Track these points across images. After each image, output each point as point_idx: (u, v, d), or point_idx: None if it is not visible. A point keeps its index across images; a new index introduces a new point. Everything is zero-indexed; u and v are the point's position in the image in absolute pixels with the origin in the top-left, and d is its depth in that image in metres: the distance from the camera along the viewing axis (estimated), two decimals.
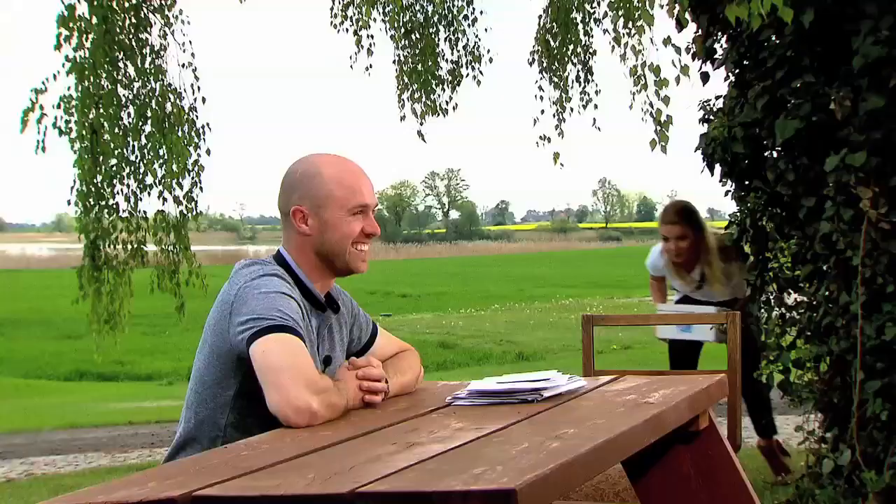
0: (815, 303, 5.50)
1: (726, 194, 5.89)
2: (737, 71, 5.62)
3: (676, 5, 4.79)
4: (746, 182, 5.74)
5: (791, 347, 5.66)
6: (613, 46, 6.40)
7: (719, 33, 5.64)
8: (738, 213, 5.84)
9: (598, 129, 8.75)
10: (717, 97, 5.84)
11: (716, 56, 5.67)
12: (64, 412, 12.44)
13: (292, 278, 2.78)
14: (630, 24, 5.67)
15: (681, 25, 5.47)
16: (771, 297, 5.80)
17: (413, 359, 3.04)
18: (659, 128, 5.51)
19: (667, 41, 5.23)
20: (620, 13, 5.58)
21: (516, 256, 69.87)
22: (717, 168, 5.72)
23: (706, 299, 6.11)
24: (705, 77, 5.74)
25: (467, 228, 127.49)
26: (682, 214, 5.75)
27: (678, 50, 5.22)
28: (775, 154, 5.52)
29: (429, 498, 1.67)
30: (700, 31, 5.57)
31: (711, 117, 5.80)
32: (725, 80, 5.72)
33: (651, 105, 5.61)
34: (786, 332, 5.72)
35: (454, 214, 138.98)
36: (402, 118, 8.71)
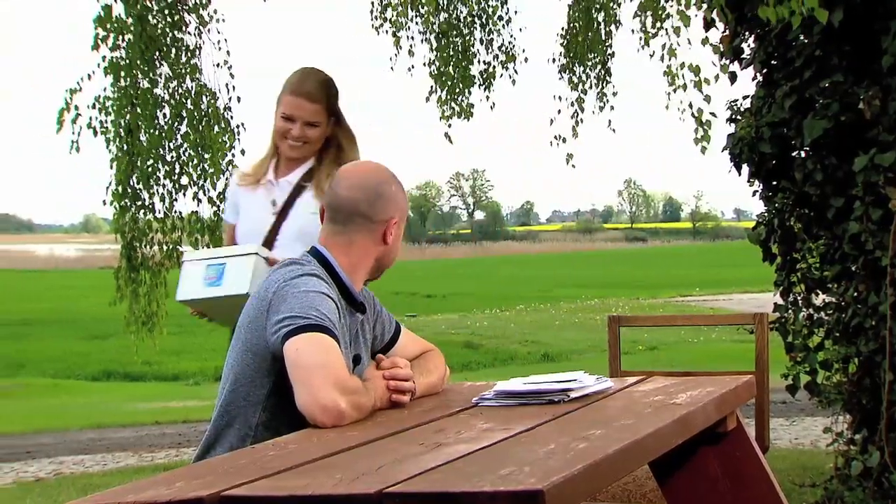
0: (843, 303, 5.46)
1: (753, 194, 5.86)
2: (764, 70, 5.58)
3: (705, 4, 4.76)
4: (774, 182, 5.71)
5: (819, 348, 5.63)
6: (643, 46, 6.38)
7: (747, 33, 5.61)
8: (766, 213, 5.81)
9: (613, 130, 8.78)
10: (745, 97, 5.81)
11: (743, 56, 5.64)
12: (91, 412, 12.51)
13: (332, 277, 2.78)
14: (658, 25, 5.64)
15: (709, 25, 5.45)
16: (798, 298, 5.75)
17: (438, 359, 3.04)
18: (700, 127, 5.48)
19: (705, 41, 5.21)
20: (649, 13, 5.56)
21: (541, 257, 69.83)
22: (745, 168, 5.69)
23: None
24: (733, 77, 5.70)
25: (492, 229, 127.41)
26: (327, 90, 3.85)
27: (717, 50, 5.20)
28: (803, 154, 5.49)
29: (456, 498, 1.66)
30: (727, 30, 5.54)
31: (739, 117, 5.77)
32: (753, 79, 5.69)
33: (690, 105, 5.58)
34: (813, 332, 5.68)
35: (479, 215, 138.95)
36: (441, 117, 8.72)
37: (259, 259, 3.68)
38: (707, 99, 5.49)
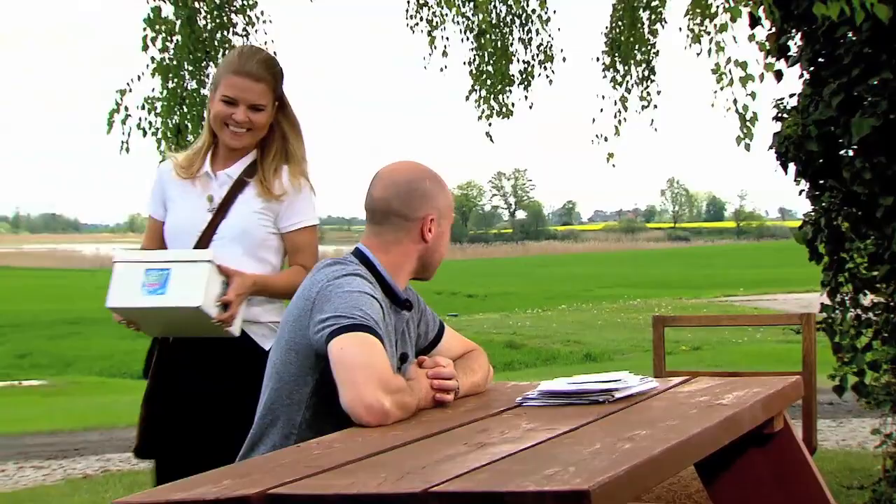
0: (892, 304, 5.41)
1: (800, 193, 5.80)
2: (811, 68, 5.52)
3: (752, 1, 4.72)
4: (821, 181, 5.65)
5: (867, 349, 5.57)
6: (691, 44, 6.34)
7: (794, 30, 5.56)
8: (813, 213, 5.75)
9: (656, 129, 8.73)
10: (791, 95, 5.76)
11: (789, 53, 5.58)
12: (138, 409, 12.58)
13: (375, 277, 2.79)
14: (707, 22, 5.61)
15: (755, 22, 5.41)
16: (846, 298, 5.69)
17: (482, 358, 3.03)
18: (744, 124, 5.43)
19: (752, 38, 5.17)
20: (698, 10, 5.52)
21: (583, 256, 69.58)
22: (791, 167, 5.64)
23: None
24: (779, 75, 5.65)
25: (534, 228, 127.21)
26: (272, 69, 3.46)
27: (763, 48, 5.16)
28: (851, 152, 5.43)
29: (502, 498, 1.66)
30: (774, 28, 5.49)
31: (785, 115, 5.71)
32: (800, 77, 5.63)
33: (735, 102, 5.54)
34: (861, 333, 5.62)
35: (520, 214, 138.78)
36: (480, 117, 8.72)
37: (213, 267, 3.25)
38: (752, 95, 5.44)
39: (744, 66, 5.44)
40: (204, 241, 3.40)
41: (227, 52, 7.39)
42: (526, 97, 8.89)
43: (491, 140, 8.82)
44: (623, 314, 26.91)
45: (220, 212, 3.42)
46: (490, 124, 8.72)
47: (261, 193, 3.41)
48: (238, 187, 3.44)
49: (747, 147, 5.49)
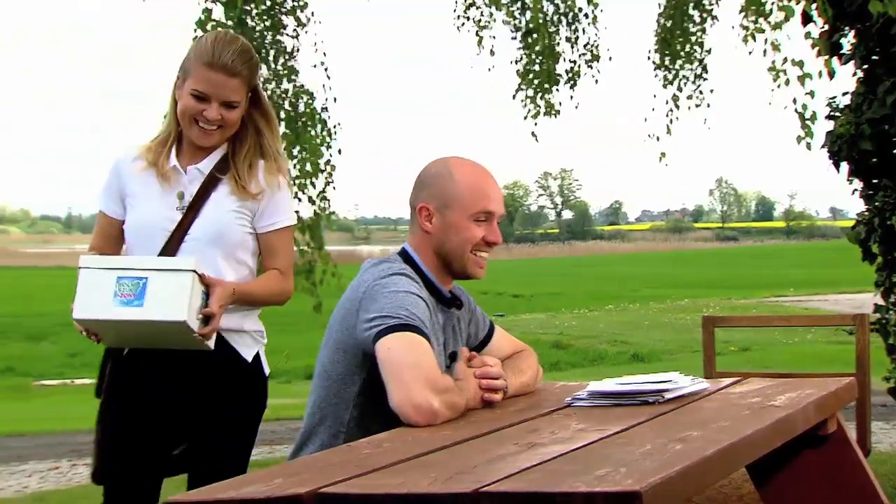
0: None
1: (853, 193, 5.75)
2: (865, 66, 5.47)
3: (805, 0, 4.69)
4: (874, 180, 5.60)
5: None
6: (746, 42, 6.30)
7: (847, 28, 5.50)
8: (866, 213, 5.69)
9: (709, 128, 8.66)
10: (844, 93, 5.70)
11: (842, 51, 5.53)
12: None
13: (419, 276, 2.79)
14: (762, 20, 5.56)
15: (807, 20, 5.36)
16: None
17: (532, 359, 3.03)
18: (804, 123, 5.38)
19: (807, 35, 5.14)
20: (753, 7, 5.48)
21: (630, 256, 69.25)
22: (844, 166, 5.58)
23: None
24: (832, 73, 5.60)
25: (580, 228, 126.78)
26: (249, 61, 3.12)
27: (816, 44, 5.12)
28: None
29: (553, 499, 1.65)
30: (826, 26, 5.44)
31: (838, 114, 5.66)
32: (853, 75, 5.57)
33: (794, 101, 5.49)
34: None
35: (567, 214, 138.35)
36: (526, 116, 8.71)
37: (196, 277, 2.94)
38: (811, 94, 5.39)
39: (801, 64, 5.39)
40: (174, 242, 3.08)
41: (277, 53, 7.43)
42: (572, 97, 8.87)
43: (536, 139, 8.80)
44: (670, 314, 26.75)
45: (192, 210, 3.10)
46: (536, 123, 8.70)
47: (235, 191, 3.10)
48: (210, 184, 3.12)
49: (808, 146, 5.44)
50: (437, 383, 2.48)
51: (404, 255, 2.85)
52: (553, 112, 8.73)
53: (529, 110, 8.75)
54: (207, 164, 3.13)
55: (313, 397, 2.79)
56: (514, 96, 8.83)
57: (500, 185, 2.96)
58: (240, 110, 3.10)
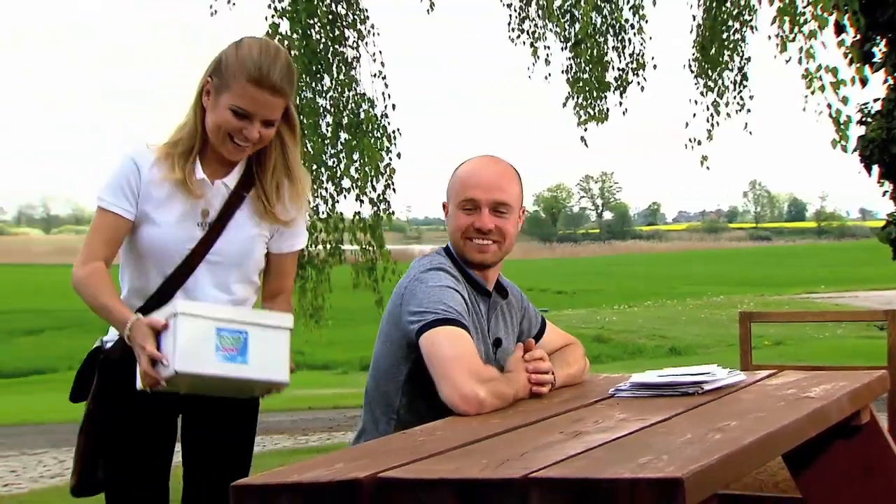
0: None
1: (883, 195, 5.69)
2: (894, 74, 5.40)
3: (836, 10, 4.64)
4: None
5: None
6: (780, 51, 6.24)
7: (878, 37, 5.43)
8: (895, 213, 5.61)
9: (750, 133, 8.57)
10: (876, 100, 5.63)
11: (874, 59, 5.46)
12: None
13: (458, 268, 2.79)
14: (797, 30, 5.51)
15: (840, 29, 5.30)
16: None
17: (578, 352, 3.02)
18: (839, 127, 5.33)
19: (840, 44, 5.08)
20: (786, 17, 5.43)
21: (667, 255, 68.85)
22: (875, 169, 5.52)
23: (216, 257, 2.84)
24: (864, 80, 5.53)
25: (620, 228, 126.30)
26: (292, 77, 2.76)
27: (850, 51, 5.07)
28: None
29: (598, 484, 1.64)
30: (858, 35, 5.37)
31: (869, 119, 5.59)
32: (884, 82, 5.51)
33: (829, 106, 5.43)
34: None
35: (607, 215, 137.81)
36: (578, 122, 8.70)
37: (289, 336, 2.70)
38: (844, 100, 5.33)
39: (834, 71, 5.33)
40: (194, 261, 2.75)
41: (339, 63, 7.46)
42: (621, 103, 8.84)
43: (585, 144, 8.77)
44: (706, 310, 26.58)
45: (215, 230, 2.76)
46: (585, 129, 8.69)
47: (260, 213, 2.79)
48: (235, 201, 2.78)
49: (844, 149, 5.37)
50: (480, 374, 2.49)
51: (447, 251, 2.87)
52: (603, 118, 8.70)
53: (580, 116, 8.74)
54: (232, 178, 2.79)
55: (367, 386, 2.81)
56: (564, 104, 8.82)
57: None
58: (276, 127, 2.76)
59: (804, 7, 5.25)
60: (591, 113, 8.61)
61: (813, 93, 5.52)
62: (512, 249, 2.89)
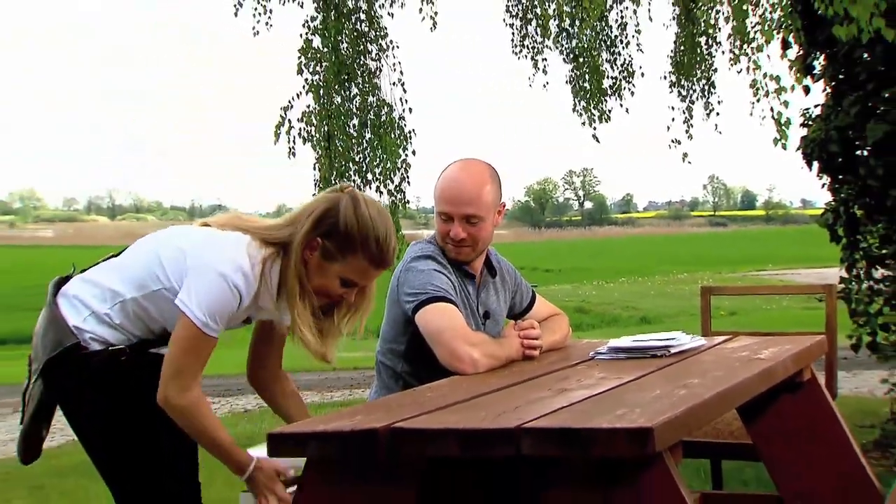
0: None
1: (822, 186, 5.65)
2: (833, 84, 5.38)
3: (783, 28, 4.63)
4: (840, 176, 5.51)
5: (878, 314, 5.44)
6: (732, 64, 6.24)
7: (818, 52, 5.40)
8: (833, 203, 5.60)
9: (720, 132, 8.55)
10: (816, 106, 5.61)
11: (815, 72, 5.43)
12: (285, 360, 12.79)
13: (445, 256, 2.76)
14: (746, 46, 5.50)
15: (786, 46, 5.27)
16: (861, 272, 5.54)
17: (563, 321, 3.00)
18: (780, 128, 5.30)
19: (783, 56, 5.06)
20: (738, 36, 5.44)
21: (639, 239, 68.74)
22: (815, 164, 5.51)
23: None
24: (806, 90, 5.52)
25: (598, 216, 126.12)
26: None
27: (794, 65, 5.07)
28: (866, 153, 5.28)
29: (581, 433, 1.64)
30: (801, 50, 5.34)
31: (810, 122, 5.57)
32: (823, 91, 5.49)
33: (772, 109, 5.41)
34: (873, 301, 5.48)
35: (588, 205, 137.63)
36: (583, 124, 8.66)
37: None
38: (785, 104, 5.32)
39: (777, 79, 5.31)
40: None
41: (363, 73, 7.46)
42: (621, 105, 8.78)
43: (597, 141, 8.70)
44: (672, 286, 26.53)
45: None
46: (595, 128, 8.64)
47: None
48: None
49: (784, 146, 5.34)
50: (470, 338, 2.49)
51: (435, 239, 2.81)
52: (607, 119, 8.64)
53: (585, 119, 8.68)
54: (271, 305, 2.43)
55: (377, 356, 2.83)
56: (573, 109, 8.75)
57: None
58: None
59: (752, 28, 5.29)
60: (595, 115, 8.55)
61: (759, 100, 5.54)
62: (489, 243, 2.81)
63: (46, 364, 2.30)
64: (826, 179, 5.61)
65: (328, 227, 2.28)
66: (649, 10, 8.48)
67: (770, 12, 4.56)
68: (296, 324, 2.33)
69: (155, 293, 2.31)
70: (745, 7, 5.45)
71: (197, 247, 2.30)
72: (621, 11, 8.42)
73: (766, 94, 5.46)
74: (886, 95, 5.06)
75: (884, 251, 5.40)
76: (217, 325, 2.25)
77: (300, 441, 1.80)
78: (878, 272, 5.52)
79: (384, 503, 1.79)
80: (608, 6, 8.26)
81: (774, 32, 5.09)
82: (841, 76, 5.35)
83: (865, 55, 5.14)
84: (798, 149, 5.56)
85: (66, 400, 2.35)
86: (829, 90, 5.47)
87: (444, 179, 2.74)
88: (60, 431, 7.65)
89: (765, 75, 5.47)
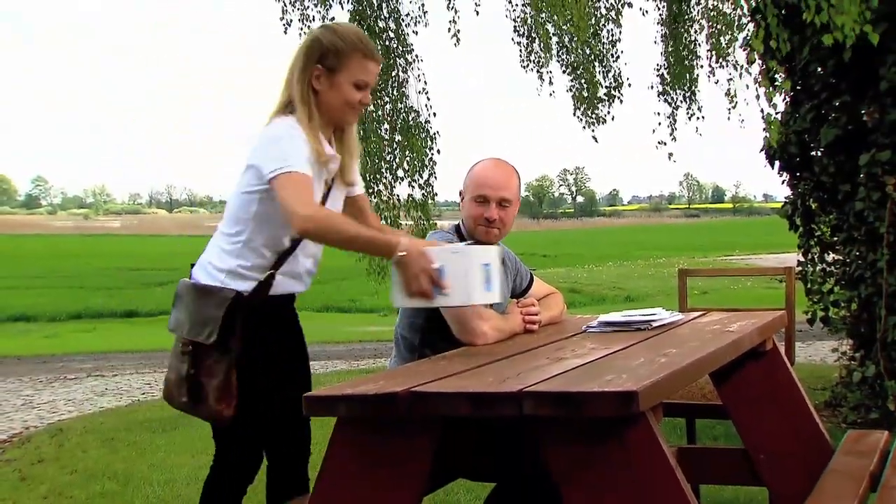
0: (848, 261, 5.24)
1: (782, 183, 5.63)
2: (791, 94, 5.35)
3: (748, 48, 4.58)
4: (798, 174, 5.49)
5: (830, 293, 5.42)
6: (709, 76, 6.19)
7: (778, 66, 5.36)
8: (791, 196, 5.60)
9: (700, 134, 8.51)
10: (777, 112, 5.57)
11: (776, 84, 5.38)
12: (317, 332, 12.81)
13: (461, 241, 2.71)
14: (721, 60, 5.45)
15: (751, 62, 5.24)
16: (815, 257, 5.52)
17: (559, 299, 2.98)
18: (770, 127, 5.22)
19: (749, 72, 5.02)
20: (714, 52, 5.39)
21: (624, 228, 68.52)
22: (776, 163, 5.49)
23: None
24: (769, 98, 5.46)
25: (589, 209, 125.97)
26: None
27: (758, 80, 5.02)
28: (820, 153, 5.25)
29: (574, 396, 1.63)
30: (765, 65, 5.30)
31: (772, 127, 5.53)
32: (783, 100, 5.45)
33: (762, 111, 5.36)
34: (826, 281, 5.47)
35: (580, 199, 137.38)
36: (583, 126, 8.61)
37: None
38: (774, 106, 5.26)
39: (766, 84, 5.24)
40: None
41: (393, 83, 7.45)
42: (608, 112, 8.73)
43: (596, 141, 8.65)
44: (653, 269, 26.46)
45: (324, 199, 2.40)
46: (594, 131, 8.61)
47: (338, 176, 2.43)
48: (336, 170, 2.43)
49: (775, 142, 5.12)
50: (482, 315, 2.47)
51: (457, 228, 2.78)
52: (602, 121, 8.59)
53: (585, 123, 8.63)
54: (332, 149, 2.39)
55: (395, 332, 2.76)
56: (574, 114, 8.70)
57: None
58: None
59: (726, 46, 5.26)
60: (593, 119, 8.51)
61: (735, 107, 5.50)
62: (510, 230, 2.79)
63: (223, 319, 2.27)
64: (786, 176, 5.59)
65: (318, 53, 2.32)
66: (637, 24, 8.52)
67: (753, 35, 4.47)
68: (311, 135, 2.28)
69: (260, 199, 2.27)
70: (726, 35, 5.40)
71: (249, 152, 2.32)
72: (610, 31, 8.41)
73: (745, 103, 5.42)
74: (837, 104, 5.03)
75: (835, 238, 5.39)
76: (299, 161, 2.20)
77: (331, 403, 1.79)
78: (830, 256, 5.51)
79: (404, 456, 1.79)
80: (600, 25, 8.22)
81: (741, 49, 5.05)
82: (798, 87, 5.32)
83: (819, 69, 5.10)
84: (761, 150, 5.54)
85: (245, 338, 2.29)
86: (787, 99, 5.45)
87: (481, 169, 2.70)
88: (127, 393, 7.71)
89: (747, 86, 5.44)
